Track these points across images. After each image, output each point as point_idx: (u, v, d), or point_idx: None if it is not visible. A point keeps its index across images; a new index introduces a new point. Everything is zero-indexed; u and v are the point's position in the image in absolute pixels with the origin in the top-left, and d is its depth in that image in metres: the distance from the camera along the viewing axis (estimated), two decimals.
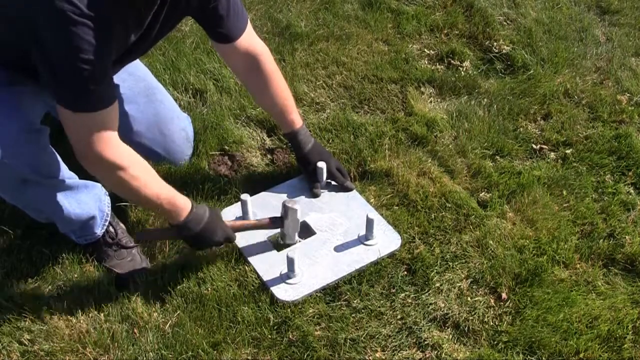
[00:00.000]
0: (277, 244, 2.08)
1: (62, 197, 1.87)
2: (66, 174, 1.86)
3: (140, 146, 2.19)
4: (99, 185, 2.00)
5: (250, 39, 2.03)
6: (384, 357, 1.81)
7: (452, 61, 2.85)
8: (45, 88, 1.72)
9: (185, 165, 2.31)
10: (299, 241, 2.07)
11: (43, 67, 1.57)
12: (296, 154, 2.24)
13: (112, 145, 1.65)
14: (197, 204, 1.88)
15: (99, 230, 2.00)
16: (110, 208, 2.03)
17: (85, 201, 1.93)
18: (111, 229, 2.03)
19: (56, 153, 1.82)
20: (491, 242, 2.08)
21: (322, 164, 2.20)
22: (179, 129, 2.28)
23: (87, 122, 1.60)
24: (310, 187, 2.21)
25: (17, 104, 1.69)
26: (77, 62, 1.50)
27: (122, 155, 1.68)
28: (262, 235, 2.10)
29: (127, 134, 2.15)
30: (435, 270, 2.00)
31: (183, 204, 1.83)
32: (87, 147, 1.62)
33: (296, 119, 2.17)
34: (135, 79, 2.13)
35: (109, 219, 2.02)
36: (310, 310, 1.90)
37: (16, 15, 1.56)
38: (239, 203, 2.12)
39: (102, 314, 1.88)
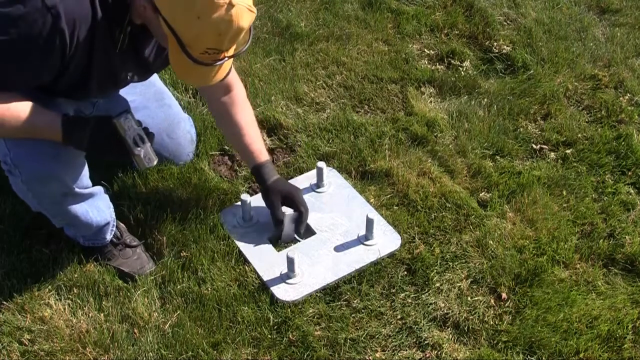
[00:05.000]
0: (277, 244, 2.08)
1: (86, 206, 1.89)
2: (90, 182, 1.88)
3: None
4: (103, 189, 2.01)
5: (231, 74, 1.99)
6: (384, 357, 1.81)
7: (452, 61, 2.85)
8: (75, 97, 1.75)
9: (185, 165, 2.31)
10: (148, 163, 1.74)
11: None
12: (261, 187, 2.10)
13: None
14: (80, 121, 1.71)
15: (109, 236, 2.02)
16: (114, 212, 2.04)
17: (102, 208, 1.95)
18: (116, 229, 2.04)
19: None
20: (491, 242, 2.08)
21: (321, 164, 2.20)
22: (185, 131, 2.29)
23: None
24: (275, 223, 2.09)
25: None
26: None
27: None
28: (262, 235, 2.10)
29: None
30: (435, 270, 2.00)
31: (50, 131, 1.67)
32: None
33: (265, 153, 2.09)
34: (147, 84, 2.12)
35: (115, 223, 2.03)
36: (310, 310, 1.90)
37: None
38: (239, 203, 2.12)
39: (102, 314, 1.88)
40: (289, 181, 2.26)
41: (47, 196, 1.80)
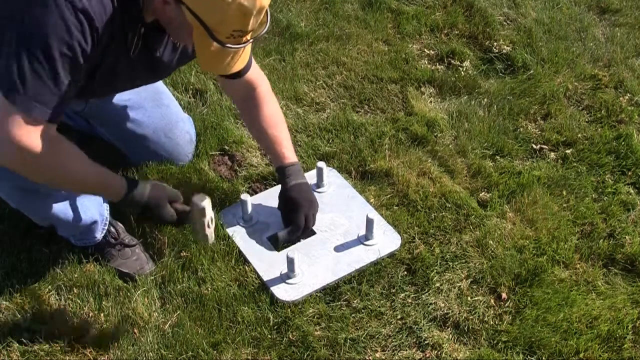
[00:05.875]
0: (277, 244, 2.08)
1: (67, 204, 1.87)
2: None
3: (146, 149, 2.20)
4: None
5: (252, 70, 2.00)
6: (384, 357, 1.82)
7: (452, 61, 2.85)
8: None
9: (185, 166, 2.31)
10: (211, 240, 1.88)
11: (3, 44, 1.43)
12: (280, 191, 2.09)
13: (50, 140, 1.53)
14: (140, 184, 1.77)
15: (99, 235, 2.00)
16: (109, 211, 2.03)
17: (88, 206, 1.92)
18: (112, 229, 2.03)
19: None
20: (491, 242, 2.08)
21: (321, 164, 2.20)
22: (184, 132, 2.29)
23: (34, 127, 1.48)
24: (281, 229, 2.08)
25: None
26: (54, 52, 1.43)
27: (56, 146, 1.56)
28: (262, 235, 2.10)
29: (134, 139, 2.15)
30: (435, 270, 2.00)
31: (114, 187, 1.74)
32: (27, 147, 1.49)
33: (289, 154, 2.05)
34: None
35: (108, 222, 2.02)
36: (310, 310, 1.90)
37: None
38: (239, 203, 2.12)
39: (102, 314, 1.89)
40: None
41: (14, 193, 1.77)
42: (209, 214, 1.79)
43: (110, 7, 1.51)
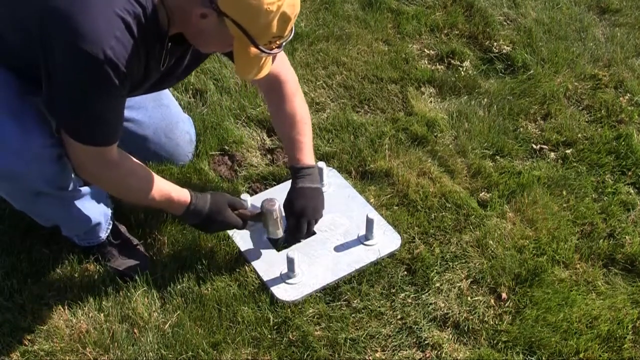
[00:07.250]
0: (277, 244, 2.08)
1: (70, 206, 1.87)
2: (75, 182, 1.85)
3: (146, 150, 2.20)
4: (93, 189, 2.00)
5: (278, 65, 1.96)
6: (384, 357, 1.82)
7: (452, 61, 2.85)
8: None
9: (185, 166, 2.31)
10: (284, 234, 2.01)
11: (52, 91, 1.55)
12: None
13: (112, 163, 1.71)
14: (199, 195, 1.87)
15: (103, 234, 2.00)
16: (112, 212, 2.03)
17: (92, 208, 1.93)
18: (115, 229, 2.03)
19: (68, 163, 1.79)
20: (491, 242, 2.08)
21: (321, 164, 2.20)
22: (184, 132, 2.29)
23: (94, 153, 1.65)
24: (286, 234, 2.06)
25: (37, 118, 1.64)
26: (94, 101, 1.55)
27: (119, 168, 1.73)
28: (262, 235, 2.09)
29: (134, 140, 2.15)
30: (435, 270, 2.00)
31: (178, 201, 1.85)
32: (90, 169, 1.71)
33: (302, 157, 2.01)
34: None
35: (111, 222, 2.03)
36: (310, 310, 1.90)
37: (31, 38, 1.53)
38: None
39: (102, 314, 1.89)
40: (289, 182, 2.25)
41: (18, 195, 1.77)
42: (280, 214, 1.94)
43: (132, 44, 1.52)
